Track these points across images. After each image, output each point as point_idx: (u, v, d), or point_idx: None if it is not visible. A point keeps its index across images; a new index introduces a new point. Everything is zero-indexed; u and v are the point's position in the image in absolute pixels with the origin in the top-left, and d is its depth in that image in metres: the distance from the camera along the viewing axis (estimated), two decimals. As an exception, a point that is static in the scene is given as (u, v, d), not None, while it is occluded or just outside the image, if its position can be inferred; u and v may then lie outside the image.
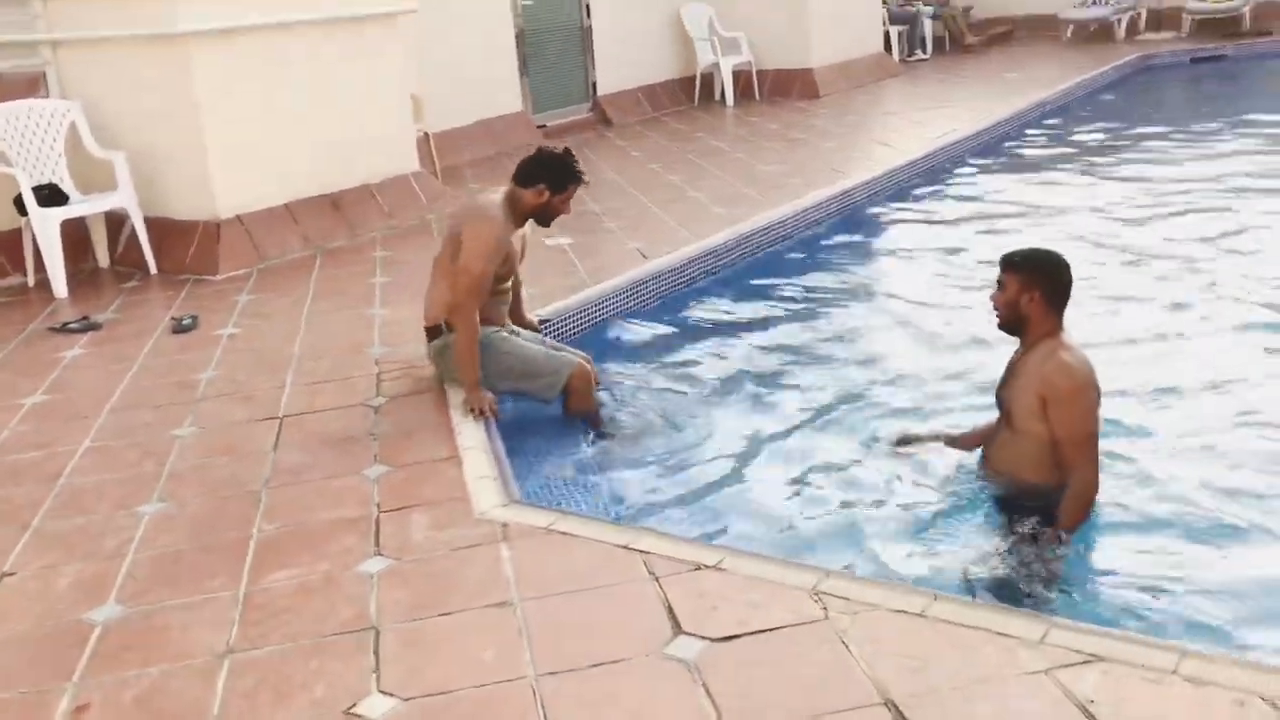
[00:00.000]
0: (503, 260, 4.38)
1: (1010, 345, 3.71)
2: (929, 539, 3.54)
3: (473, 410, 4.22)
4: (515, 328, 4.68)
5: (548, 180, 4.33)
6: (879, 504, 3.80)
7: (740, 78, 12.59)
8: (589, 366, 4.51)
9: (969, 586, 3.24)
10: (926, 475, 3.90)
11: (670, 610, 2.87)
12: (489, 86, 10.36)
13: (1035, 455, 3.50)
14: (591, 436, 4.45)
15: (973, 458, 3.86)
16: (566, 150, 4.43)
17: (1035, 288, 3.51)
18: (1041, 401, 3.44)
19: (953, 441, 4.01)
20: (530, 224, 4.57)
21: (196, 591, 3.19)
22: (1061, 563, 3.31)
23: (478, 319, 4.30)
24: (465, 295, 4.26)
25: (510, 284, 4.62)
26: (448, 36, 9.71)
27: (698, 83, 12.60)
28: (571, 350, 4.66)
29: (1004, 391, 3.64)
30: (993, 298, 3.62)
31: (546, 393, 4.42)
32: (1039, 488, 3.50)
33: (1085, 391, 3.44)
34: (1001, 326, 3.64)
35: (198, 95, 6.63)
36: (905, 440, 4.14)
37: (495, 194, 4.47)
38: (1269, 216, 7.12)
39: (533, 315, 4.99)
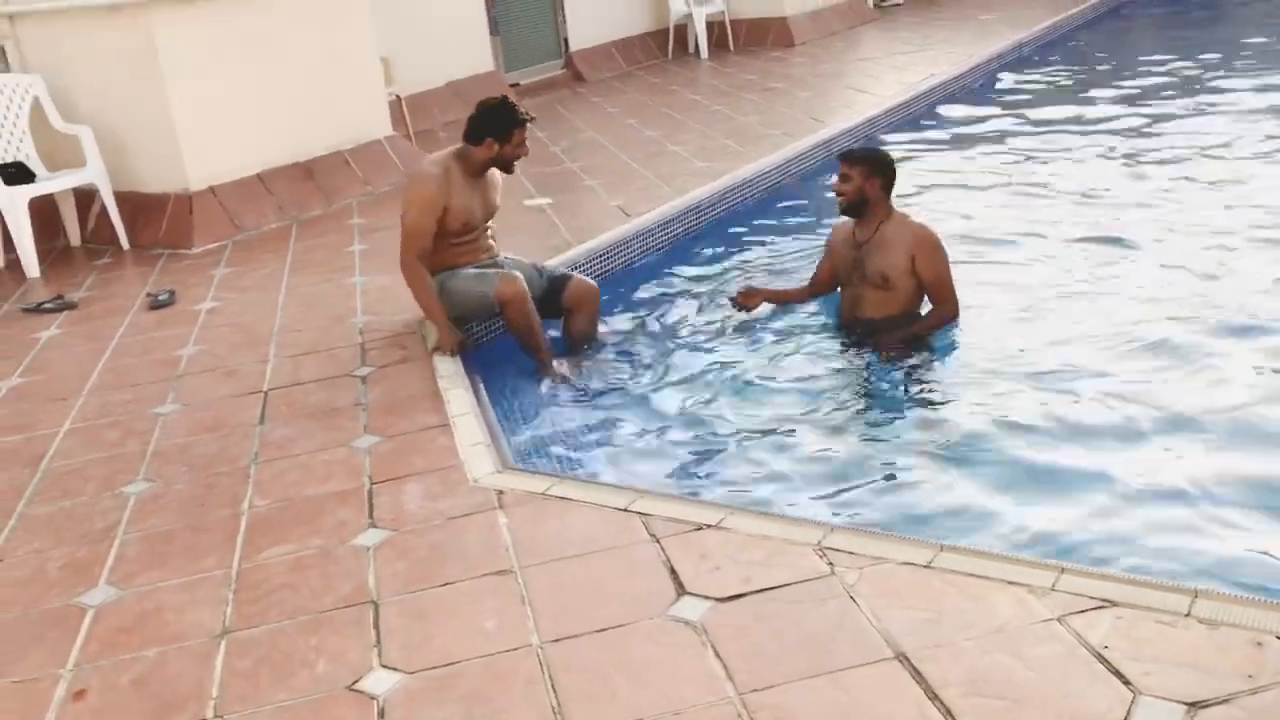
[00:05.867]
0: (447, 216, 4.52)
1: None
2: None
3: (440, 349, 4.46)
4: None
5: (492, 132, 4.52)
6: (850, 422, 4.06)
7: (714, 28, 12.42)
8: (519, 283, 4.55)
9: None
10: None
11: (673, 571, 2.83)
12: (460, 47, 10.19)
13: (903, 301, 4.51)
14: (576, 388, 4.45)
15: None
16: (503, 98, 4.60)
17: (875, 176, 4.45)
18: (911, 259, 4.42)
19: (782, 296, 5.05)
20: (500, 175, 4.75)
21: (189, 571, 3.13)
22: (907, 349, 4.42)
23: (421, 268, 4.53)
24: (402, 248, 4.55)
25: (473, 237, 4.69)
26: (416, -4, 9.53)
27: (671, 35, 12.43)
28: (566, 271, 4.92)
29: (870, 263, 4.49)
30: (836, 188, 4.51)
31: (490, 309, 4.58)
32: (901, 318, 4.51)
33: (941, 245, 4.49)
34: (845, 210, 4.56)
35: (162, 65, 6.48)
36: (746, 294, 4.99)
37: (442, 153, 4.65)
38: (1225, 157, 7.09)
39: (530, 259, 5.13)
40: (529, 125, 4.55)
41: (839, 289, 4.79)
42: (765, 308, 5.01)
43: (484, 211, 4.69)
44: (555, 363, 4.57)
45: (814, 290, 5.00)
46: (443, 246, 4.58)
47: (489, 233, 4.79)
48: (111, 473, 3.81)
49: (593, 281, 4.90)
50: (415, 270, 4.52)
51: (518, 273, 4.61)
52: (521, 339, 4.55)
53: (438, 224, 4.51)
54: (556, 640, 2.62)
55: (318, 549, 3.16)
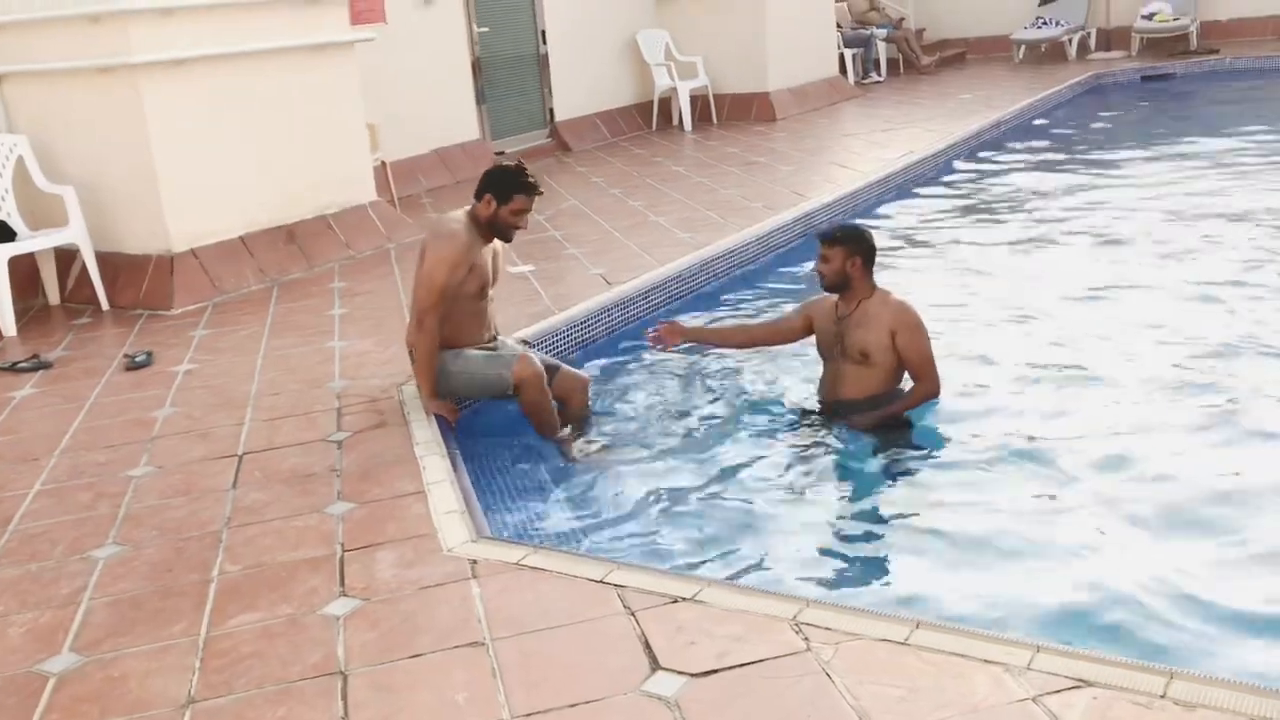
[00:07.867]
0: (470, 276, 4.45)
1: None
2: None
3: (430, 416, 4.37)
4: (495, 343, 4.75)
5: (493, 191, 4.46)
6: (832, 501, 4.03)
7: (697, 102, 12.60)
8: (535, 364, 4.48)
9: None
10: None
11: (647, 645, 2.80)
12: (446, 115, 10.30)
13: (883, 377, 4.48)
14: (559, 460, 4.40)
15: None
16: (518, 163, 4.57)
17: (855, 255, 4.44)
18: (891, 336, 4.40)
19: (708, 335, 5.21)
20: (501, 244, 4.68)
21: (156, 638, 3.07)
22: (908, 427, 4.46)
23: (436, 331, 4.41)
24: (427, 306, 4.39)
25: (486, 301, 4.64)
26: (404, 65, 9.64)
27: (655, 108, 12.60)
28: (554, 361, 4.77)
29: (851, 338, 4.48)
30: (817, 269, 4.51)
31: (503, 391, 4.49)
32: (882, 395, 4.49)
33: (922, 323, 4.46)
34: (827, 289, 4.54)
35: (149, 127, 6.51)
36: (668, 330, 4.88)
37: (456, 212, 4.59)
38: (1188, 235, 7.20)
39: (512, 337, 5.02)
40: (535, 200, 4.46)
41: (822, 363, 4.74)
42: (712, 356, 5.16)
43: (493, 275, 4.64)
44: (569, 439, 4.54)
45: (750, 337, 5.09)
46: (457, 314, 4.46)
47: (492, 303, 4.73)
48: (81, 535, 3.76)
49: (582, 373, 4.85)
50: (433, 331, 4.40)
51: (533, 353, 4.55)
52: (536, 420, 4.49)
53: (459, 284, 4.43)
54: (528, 715, 2.57)
55: (287, 617, 3.11)
